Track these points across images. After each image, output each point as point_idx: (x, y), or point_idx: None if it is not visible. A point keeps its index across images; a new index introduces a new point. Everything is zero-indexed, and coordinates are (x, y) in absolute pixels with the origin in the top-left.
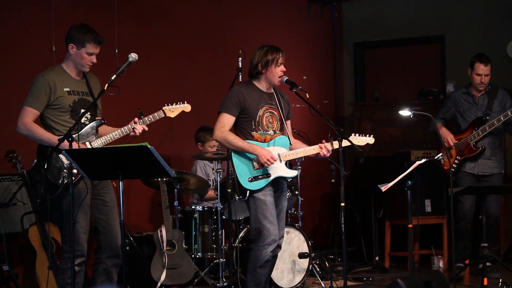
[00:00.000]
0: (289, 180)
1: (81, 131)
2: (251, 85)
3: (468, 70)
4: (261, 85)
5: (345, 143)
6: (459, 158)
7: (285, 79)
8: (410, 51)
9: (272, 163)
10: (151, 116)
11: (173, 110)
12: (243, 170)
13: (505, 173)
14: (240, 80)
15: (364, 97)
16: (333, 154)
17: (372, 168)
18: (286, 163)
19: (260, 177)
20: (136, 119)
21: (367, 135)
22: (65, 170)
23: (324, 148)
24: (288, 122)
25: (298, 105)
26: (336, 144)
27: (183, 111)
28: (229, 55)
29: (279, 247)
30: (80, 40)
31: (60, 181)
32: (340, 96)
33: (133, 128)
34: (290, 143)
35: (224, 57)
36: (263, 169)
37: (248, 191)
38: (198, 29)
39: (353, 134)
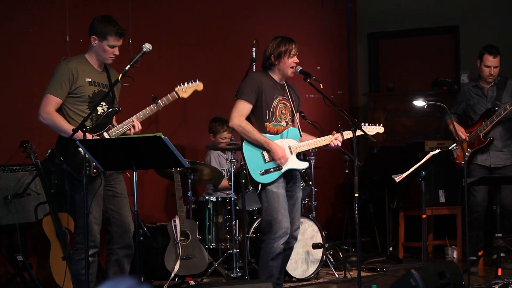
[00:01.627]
0: (302, 171)
1: (98, 122)
2: (267, 74)
3: (477, 62)
4: (275, 76)
5: (357, 132)
6: (470, 151)
7: (299, 69)
8: (424, 41)
9: (282, 163)
10: (164, 98)
11: (185, 90)
12: (254, 163)
13: None
14: (254, 71)
15: (378, 87)
16: (347, 144)
17: (386, 158)
18: (297, 155)
19: (271, 169)
20: (134, 118)
21: (377, 124)
22: (87, 163)
23: (335, 139)
24: (297, 115)
25: (312, 96)
26: (346, 134)
27: (195, 90)
28: (243, 46)
29: (295, 238)
30: (102, 32)
31: (84, 174)
32: (354, 86)
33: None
34: (300, 135)
35: (238, 48)
36: (273, 161)
37: (260, 184)
38: (212, 20)
39: (363, 124)
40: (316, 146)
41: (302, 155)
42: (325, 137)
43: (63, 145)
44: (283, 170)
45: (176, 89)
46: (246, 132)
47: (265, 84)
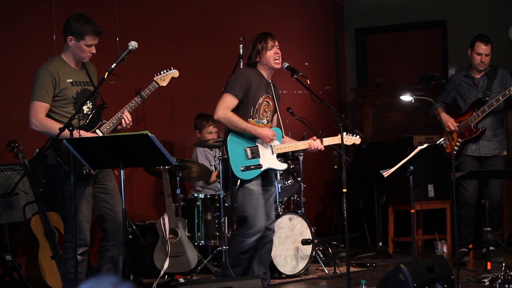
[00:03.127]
0: (291, 168)
1: (88, 121)
2: (256, 70)
3: (468, 51)
4: (263, 72)
5: (336, 140)
6: (461, 141)
7: (286, 65)
8: (412, 36)
9: (273, 141)
10: (146, 89)
11: (163, 79)
12: (236, 159)
13: (508, 155)
14: (241, 67)
15: (366, 82)
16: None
17: (374, 153)
18: (277, 156)
19: (252, 167)
20: (125, 108)
21: (355, 135)
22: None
23: (313, 146)
24: (278, 115)
25: (300, 92)
26: (326, 142)
27: (172, 77)
28: (230, 42)
29: (272, 230)
30: (79, 32)
31: (84, 173)
32: (342, 82)
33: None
34: (283, 136)
35: (225, 44)
36: (255, 159)
37: (239, 180)
38: (199, 16)
39: (345, 133)
40: (296, 149)
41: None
42: (304, 141)
43: (60, 146)
44: (263, 169)
45: (155, 78)
46: (232, 122)
47: (253, 81)
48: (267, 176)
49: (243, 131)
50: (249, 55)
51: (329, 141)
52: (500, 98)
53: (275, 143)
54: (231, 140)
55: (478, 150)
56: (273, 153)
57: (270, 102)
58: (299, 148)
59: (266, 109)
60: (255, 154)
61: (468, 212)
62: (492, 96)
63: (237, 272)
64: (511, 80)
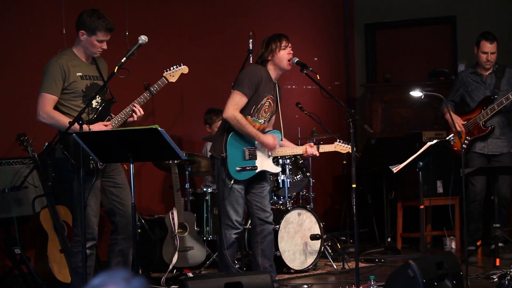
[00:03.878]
0: (300, 161)
1: (96, 115)
2: (266, 69)
3: (474, 49)
4: (272, 72)
5: (331, 148)
6: (469, 139)
7: (296, 60)
8: (421, 32)
9: (274, 151)
10: (155, 85)
11: (173, 75)
12: (234, 158)
13: None
14: (251, 63)
15: (375, 78)
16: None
17: (383, 149)
18: (273, 159)
19: (248, 168)
20: (134, 103)
21: (349, 144)
22: (91, 157)
23: (309, 151)
24: (278, 116)
25: (310, 87)
26: (322, 149)
27: (182, 74)
28: (240, 37)
29: (270, 223)
30: (91, 27)
31: (91, 167)
32: (351, 77)
33: (132, 111)
34: (281, 139)
35: (235, 39)
36: (251, 161)
37: (233, 180)
38: (208, 11)
39: (338, 141)
40: (292, 153)
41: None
42: (301, 146)
43: (67, 139)
44: (257, 171)
45: (164, 74)
46: (240, 124)
47: (263, 81)
48: (262, 175)
49: (247, 135)
50: (261, 53)
51: (324, 148)
52: (510, 96)
53: None
54: (232, 139)
55: (486, 148)
56: (269, 156)
57: (272, 103)
58: (295, 153)
59: (267, 109)
60: (253, 156)
61: (477, 209)
62: (500, 94)
63: (221, 268)
64: None
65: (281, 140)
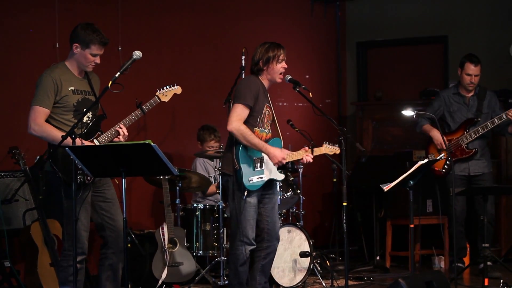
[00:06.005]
0: (290, 179)
1: (86, 130)
2: (259, 80)
3: (458, 70)
4: (264, 82)
5: (321, 151)
6: (450, 160)
7: (289, 78)
8: (413, 51)
9: (282, 164)
10: (147, 104)
11: (166, 94)
12: (246, 170)
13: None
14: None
15: (366, 96)
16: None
17: (374, 167)
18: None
19: (257, 178)
20: (120, 124)
21: (336, 145)
22: (79, 172)
23: (305, 159)
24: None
25: (301, 104)
26: (316, 151)
27: (175, 94)
28: (232, 54)
29: (278, 239)
30: (85, 40)
31: (78, 181)
32: (342, 95)
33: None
34: (281, 146)
35: (227, 55)
36: (261, 170)
37: (246, 191)
38: (201, 27)
39: (325, 143)
40: (292, 159)
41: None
42: (299, 151)
43: (56, 153)
44: (265, 179)
45: (157, 93)
46: (245, 136)
47: (260, 90)
48: (270, 186)
49: (253, 147)
50: (257, 61)
51: (316, 151)
52: (496, 121)
53: None
54: (242, 151)
55: (467, 169)
56: (274, 164)
57: (270, 111)
58: (294, 159)
59: (268, 118)
60: (261, 165)
61: (458, 229)
62: (482, 117)
63: (234, 284)
64: (499, 103)
65: (281, 147)
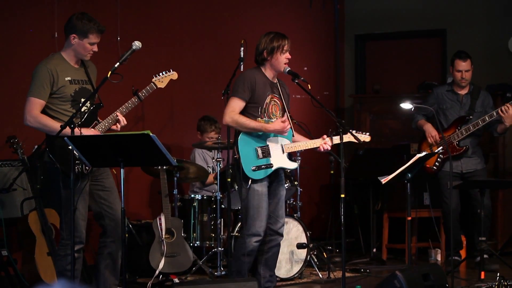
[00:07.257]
0: (288, 171)
1: (83, 120)
2: (260, 71)
3: (449, 69)
4: (267, 73)
5: (346, 138)
6: (442, 157)
7: (287, 69)
8: (411, 44)
9: (288, 130)
10: (144, 90)
11: (162, 80)
12: (248, 159)
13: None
14: (242, 70)
15: (364, 89)
16: (333, 145)
17: (371, 160)
18: (287, 154)
19: (263, 166)
20: (117, 112)
21: (365, 133)
22: (77, 162)
23: (324, 143)
24: (287, 113)
25: (299, 96)
26: (336, 140)
27: (171, 80)
28: (231, 45)
29: (280, 235)
30: (83, 30)
31: (76, 171)
32: (340, 88)
33: (117, 120)
34: (293, 135)
35: (226, 47)
36: (266, 159)
37: (250, 180)
38: (200, 19)
39: (351, 130)
40: (307, 147)
41: (289, 155)
42: (315, 140)
43: (53, 143)
44: (273, 168)
45: (153, 79)
46: (241, 123)
47: (258, 81)
48: (276, 177)
49: (253, 131)
50: (261, 50)
51: (337, 139)
52: (487, 118)
53: (285, 142)
54: (242, 139)
55: (459, 167)
56: (283, 152)
57: (278, 101)
58: (309, 147)
59: (275, 108)
60: (266, 154)
61: (453, 224)
62: (475, 115)
63: (233, 272)
64: (492, 102)
65: (293, 136)
